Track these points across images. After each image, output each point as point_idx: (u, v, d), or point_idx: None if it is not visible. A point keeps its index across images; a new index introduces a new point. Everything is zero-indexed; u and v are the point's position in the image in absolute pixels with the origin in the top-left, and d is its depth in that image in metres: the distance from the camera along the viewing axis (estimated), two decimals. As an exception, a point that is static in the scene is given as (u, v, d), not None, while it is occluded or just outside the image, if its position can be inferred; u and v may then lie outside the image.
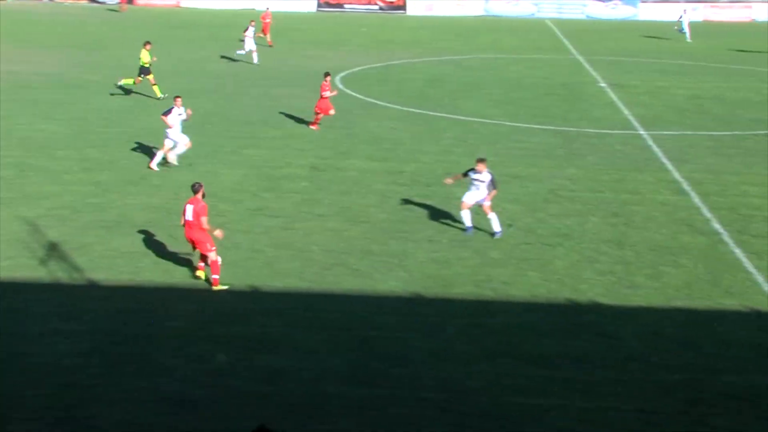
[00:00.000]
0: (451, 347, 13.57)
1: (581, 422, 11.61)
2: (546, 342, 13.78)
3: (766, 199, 21.06)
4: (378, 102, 32.91)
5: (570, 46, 50.83)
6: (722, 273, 16.58)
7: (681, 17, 55.72)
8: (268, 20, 48.60)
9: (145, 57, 32.66)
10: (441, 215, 19.62)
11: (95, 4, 71.25)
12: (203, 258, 15.84)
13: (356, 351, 13.39)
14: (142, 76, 32.66)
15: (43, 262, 16.64)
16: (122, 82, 33.02)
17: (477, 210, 18.49)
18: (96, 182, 21.74)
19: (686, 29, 54.63)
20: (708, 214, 19.94)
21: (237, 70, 40.39)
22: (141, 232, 18.30)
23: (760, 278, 16.34)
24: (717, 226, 19.20)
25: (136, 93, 33.91)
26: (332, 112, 27.63)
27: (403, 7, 69.85)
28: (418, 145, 26.14)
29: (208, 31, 55.22)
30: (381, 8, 69.96)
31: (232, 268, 16.46)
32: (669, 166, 24.13)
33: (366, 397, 12.10)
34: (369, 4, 70.45)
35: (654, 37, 55.74)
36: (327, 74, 28.14)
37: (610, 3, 68.69)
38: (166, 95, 31.59)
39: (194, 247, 15.81)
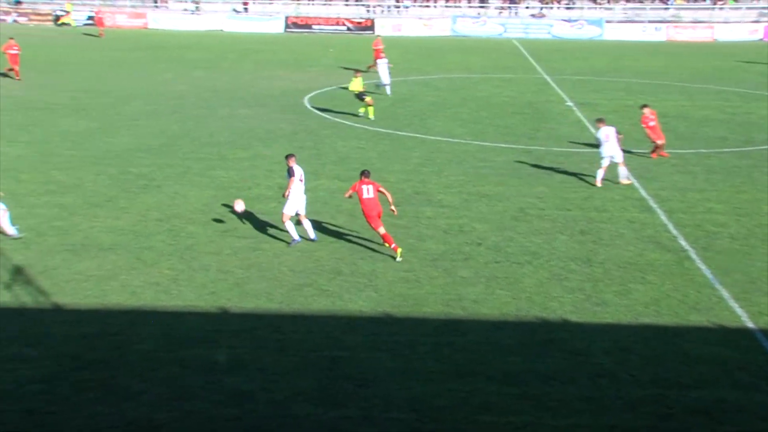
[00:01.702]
0: (422, 366, 13.51)
1: (552, 440, 11.61)
2: (516, 360, 13.78)
3: (730, 216, 21.30)
4: (346, 122, 32.94)
5: (537, 66, 51.29)
6: (689, 289, 16.70)
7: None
8: (380, 47, 44.44)
9: (356, 85, 33.22)
10: (410, 234, 19.61)
11: (59, 26, 70.85)
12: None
13: (326, 372, 13.30)
14: (362, 98, 33.28)
15: (7, 286, 16.39)
16: (362, 111, 33.49)
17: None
18: (61, 205, 21.50)
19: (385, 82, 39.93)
20: (674, 231, 20.12)
21: (201, 91, 40.25)
22: (107, 255, 18.11)
23: (725, 294, 16.47)
24: (683, 243, 19.36)
25: (102, 116, 33.71)
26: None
27: (371, 28, 70.14)
28: (386, 165, 26.16)
29: (174, 53, 55.10)
30: (349, 29, 70.23)
31: (200, 290, 16.33)
32: (636, 183, 24.34)
33: (336, 418, 12.01)
34: (337, 24, 70.67)
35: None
36: (646, 106, 28.04)
37: (575, 23, 69.49)
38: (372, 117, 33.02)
39: (372, 223, 18.25)
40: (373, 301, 16.03)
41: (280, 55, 55.32)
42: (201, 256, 18.19)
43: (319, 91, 40.23)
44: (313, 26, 70.34)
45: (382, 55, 41.31)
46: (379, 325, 15.03)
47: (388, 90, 39.30)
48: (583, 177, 24.97)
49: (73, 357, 13.62)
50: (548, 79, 45.72)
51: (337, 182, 23.85)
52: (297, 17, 71.32)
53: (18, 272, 17.04)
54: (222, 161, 26.47)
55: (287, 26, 70.57)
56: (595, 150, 28.57)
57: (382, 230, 18.21)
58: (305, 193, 19.06)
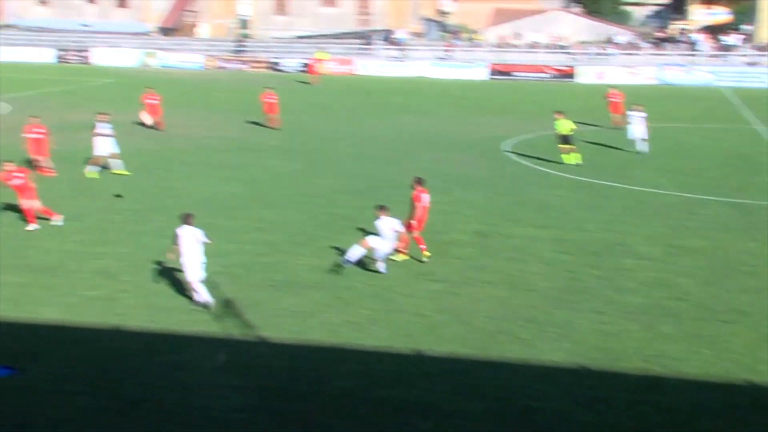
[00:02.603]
0: (617, 423, 13.11)
1: None
2: (721, 424, 13.09)
3: None
4: (545, 169, 32.69)
5: (749, 116, 48.91)
6: None
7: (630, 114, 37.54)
8: (616, 99, 43.13)
9: (562, 125, 32.98)
10: (608, 286, 19.13)
11: (274, 72, 74.76)
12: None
13: (518, 421, 13.17)
14: (565, 143, 33.00)
15: (218, 317, 17.38)
16: (565, 159, 32.94)
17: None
18: (268, 242, 22.57)
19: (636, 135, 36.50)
20: None
21: (403, 135, 41.15)
22: (308, 292, 18.81)
23: None
24: None
25: (308, 158, 35.16)
26: None
27: (571, 75, 69.53)
28: (585, 214, 25.71)
29: (378, 98, 56.80)
30: (553, 76, 69.98)
31: (395, 330, 16.63)
32: None
33: (527, 470, 11.84)
34: (538, 72, 70.60)
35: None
36: None
37: (794, 70, 65.77)
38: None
39: (415, 229, 20.81)
40: (568, 352, 15.74)
41: (481, 101, 55.79)
42: (397, 297, 18.53)
43: (519, 137, 40.19)
44: (514, 73, 70.56)
45: (635, 106, 37.08)
46: (574, 377, 14.73)
47: (645, 147, 35.85)
48: (799, 234, 23.47)
49: (275, 389, 14.22)
50: (761, 130, 43.46)
51: (534, 230, 23.68)
52: (500, 64, 71.78)
53: (228, 305, 18.03)
54: (421, 205, 26.85)
55: (491, 73, 71.18)
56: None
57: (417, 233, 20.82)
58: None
